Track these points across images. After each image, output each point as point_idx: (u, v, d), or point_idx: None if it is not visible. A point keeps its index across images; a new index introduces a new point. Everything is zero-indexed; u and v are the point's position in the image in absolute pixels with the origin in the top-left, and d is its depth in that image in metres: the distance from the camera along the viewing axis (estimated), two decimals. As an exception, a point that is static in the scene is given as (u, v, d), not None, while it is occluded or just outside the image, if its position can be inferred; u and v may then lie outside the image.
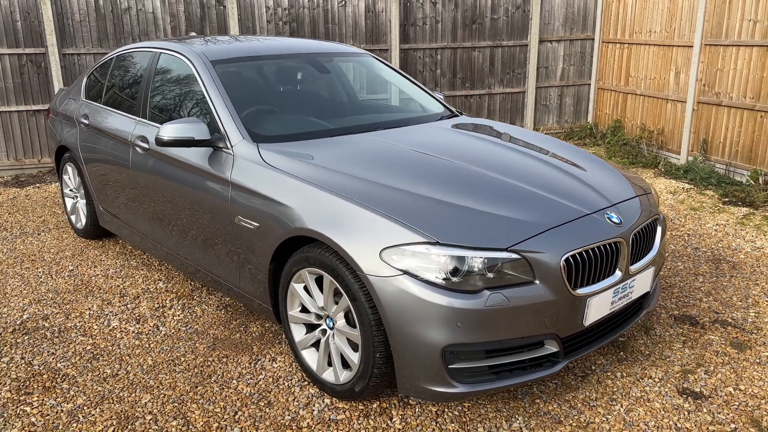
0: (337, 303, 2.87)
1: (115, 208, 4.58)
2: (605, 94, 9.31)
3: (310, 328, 3.11)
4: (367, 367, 2.70)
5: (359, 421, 2.80)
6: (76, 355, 3.41)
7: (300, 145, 3.36)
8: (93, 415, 2.88)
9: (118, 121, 4.36)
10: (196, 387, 3.09)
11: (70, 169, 5.20)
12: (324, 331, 2.98)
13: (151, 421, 2.83)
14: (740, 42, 6.85)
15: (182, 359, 3.35)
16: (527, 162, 3.29)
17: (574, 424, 2.76)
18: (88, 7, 7.52)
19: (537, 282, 2.55)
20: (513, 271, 2.52)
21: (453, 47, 8.77)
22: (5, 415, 2.89)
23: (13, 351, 3.46)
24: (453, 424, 2.76)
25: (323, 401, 2.95)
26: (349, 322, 2.83)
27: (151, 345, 3.50)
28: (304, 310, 3.10)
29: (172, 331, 3.66)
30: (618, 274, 2.83)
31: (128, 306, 3.99)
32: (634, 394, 2.97)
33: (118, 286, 4.30)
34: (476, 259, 2.49)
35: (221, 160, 3.42)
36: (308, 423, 2.80)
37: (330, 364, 2.99)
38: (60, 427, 2.80)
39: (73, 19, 7.51)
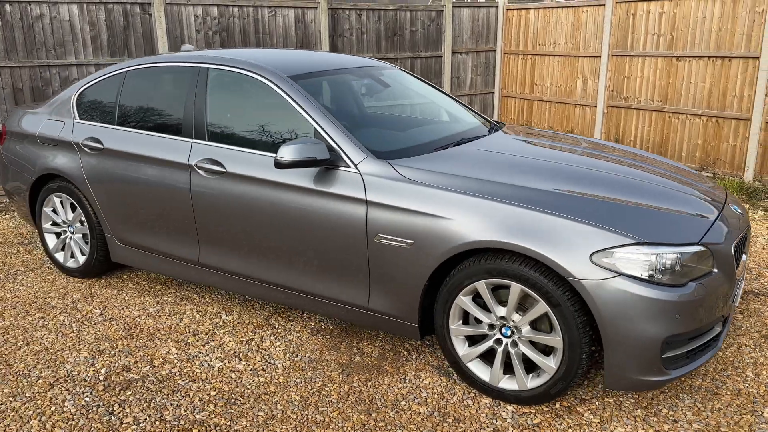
0: (518, 311, 2.95)
1: (144, 238, 4.14)
2: (509, 101, 10.08)
3: (472, 340, 3.15)
4: (571, 369, 2.83)
5: (557, 422, 2.91)
6: (205, 402, 3.08)
7: (424, 159, 3.37)
8: (290, 461, 2.68)
9: (162, 145, 3.95)
10: (370, 415, 2.98)
11: (58, 200, 4.56)
12: (499, 341, 3.04)
13: (358, 457, 2.70)
14: (646, 53, 7.89)
15: (327, 389, 3.19)
16: (631, 165, 3.62)
17: (728, 393, 3.14)
18: (-7, 14, 6.55)
19: (716, 270, 2.87)
20: (700, 263, 2.82)
21: (379, 58, 8.95)
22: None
23: (128, 409, 3.03)
24: (640, 410, 3.00)
25: (506, 409, 3.02)
26: (536, 328, 2.94)
27: (281, 380, 3.27)
28: (465, 322, 3.14)
29: (289, 363, 3.45)
30: (744, 257, 3.26)
31: (212, 345, 3.65)
32: (748, 361, 3.43)
33: (176, 324, 3.90)
34: (677, 255, 2.74)
35: (338, 179, 3.31)
36: (504, 429, 2.85)
37: (506, 372, 3.06)
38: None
39: (-26, 28, 6.51)
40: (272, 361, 3.46)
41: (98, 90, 4.43)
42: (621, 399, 3.09)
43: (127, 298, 4.29)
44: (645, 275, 2.69)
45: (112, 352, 3.57)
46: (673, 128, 7.75)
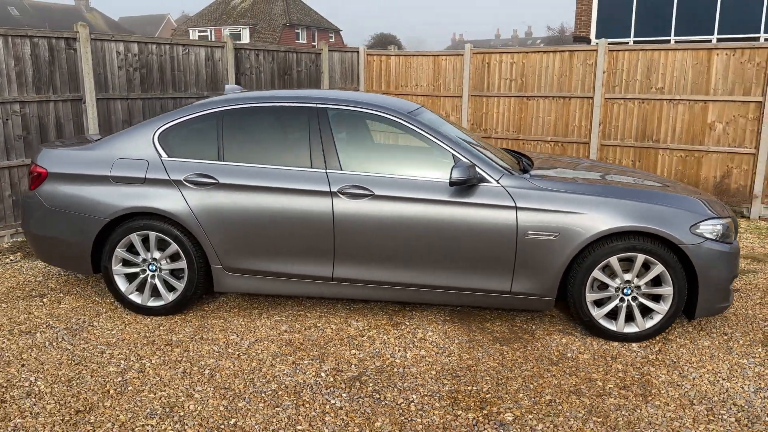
0: (638, 275, 4.23)
1: (265, 264, 4.45)
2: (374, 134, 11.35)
3: (598, 303, 4.32)
4: (678, 309, 4.20)
5: (669, 347, 4.24)
6: (436, 379, 3.73)
7: (536, 174, 4.47)
8: (561, 403, 3.55)
9: (292, 176, 4.35)
10: (558, 365, 3.96)
11: (138, 239, 4.52)
12: (621, 299, 4.27)
13: (595, 387, 3.69)
14: (501, 94, 9.89)
15: (507, 356, 4.06)
16: (648, 176, 5.17)
17: (735, 315, 4.80)
18: None
19: (734, 233, 4.52)
20: (731, 229, 4.42)
21: (274, 96, 9.51)
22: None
23: (388, 394, 3.54)
24: (703, 333, 4.48)
25: (632, 345, 4.25)
26: (650, 284, 4.24)
27: (467, 356, 4.04)
28: (593, 290, 4.30)
29: (455, 345, 4.21)
30: (721, 228, 5.01)
31: (379, 342, 4.21)
32: (718, 298, 5.18)
33: (323, 334, 4.32)
34: (724, 224, 4.30)
35: (481, 192, 4.24)
36: (655, 357, 4.10)
37: (626, 321, 4.30)
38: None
39: None
40: (442, 346, 4.19)
41: (188, 128, 4.57)
42: (684, 329, 4.55)
43: (243, 323, 4.50)
44: (714, 237, 4.20)
45: (304, 362, 3.92)
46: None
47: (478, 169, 4.28)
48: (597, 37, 20.91)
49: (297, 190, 4.35)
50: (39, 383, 3.63)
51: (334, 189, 4.32)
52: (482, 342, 4.28)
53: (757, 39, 18.34)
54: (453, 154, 4.35)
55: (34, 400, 3.46)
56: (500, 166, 4.41)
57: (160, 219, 4.49)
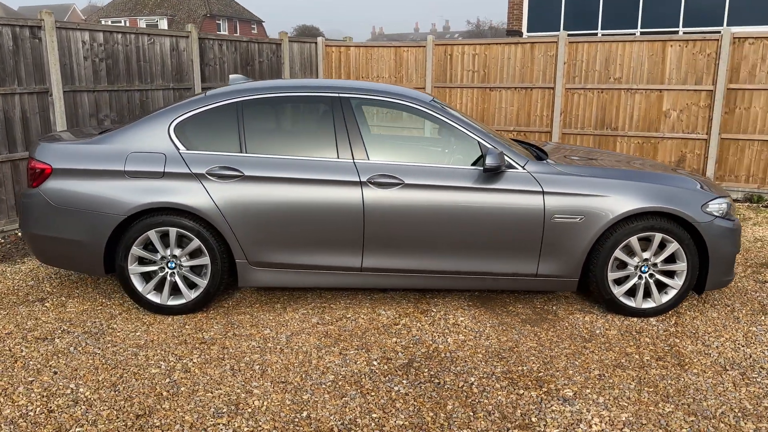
0: (654, 253, 4.47)
1: (292, 256, 4.38)
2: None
3: (618, 282, 4.52)
4: (691, 284, 4.47)
5: (683, 318, 4.51)
6: (484, 361, 3.81)
7: (556, 160, 4.63)
8: (611, 376, 3.71)
9: (319, 167, 4.30)
10: (591, 341, 4.13)
11: (156, 236, 4.34)
12: (640, 277, 4.50)
13: (634, 360, 3.88)
14: (464, 85, 10.08)
15: (541, 336, 4.20)
16: (645, 160, 5.44)
17: (730, 289, 5.16)
18: None
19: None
20: (731, 208, 4.74)
21: (239, 88, 9.28)
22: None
23: (446, 378, 3.58)
24: (707, 305, 4.78)
25: (650, 320, 4.49)
26: (665, 261, 4.48)
27: (504, 338, 4.15)
28: (613, 269, 4.50)
29: (489, 328, 4.30)
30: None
31: (415, 330, 4.24)
32: (707, 273, 5.55)
33: (357, 325, 4.31)
34: (728, 202, 4.61)
35: (507, 178, 4.35)
36: (675, 330, 4.36)
37: (644, 297, 4.53)
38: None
39: None
40: (477, 330, 4.28)
41: (206, 120, 4.41)
42: (690, 303, 4.84)
43: (272, 318, 4.42)
44: (720, 215, 4.50)
45: (350, 352, 3.90)
46: (491, 141, 10.07)
47: (505, 156, 4.38)
48: (528, 31, 21.61)
49: (326, 180, 4.30)
50: (82, 390, 3.44)
51: (364, 179, 4.31)
52: (513, 324, 4.39)
53: (676, 32, 19.52)
54: (479, 142, 4.43)
55: (84, 407, 3.27)
56: (523, 153, 4.54)
57: (180, 214, 4.32)
